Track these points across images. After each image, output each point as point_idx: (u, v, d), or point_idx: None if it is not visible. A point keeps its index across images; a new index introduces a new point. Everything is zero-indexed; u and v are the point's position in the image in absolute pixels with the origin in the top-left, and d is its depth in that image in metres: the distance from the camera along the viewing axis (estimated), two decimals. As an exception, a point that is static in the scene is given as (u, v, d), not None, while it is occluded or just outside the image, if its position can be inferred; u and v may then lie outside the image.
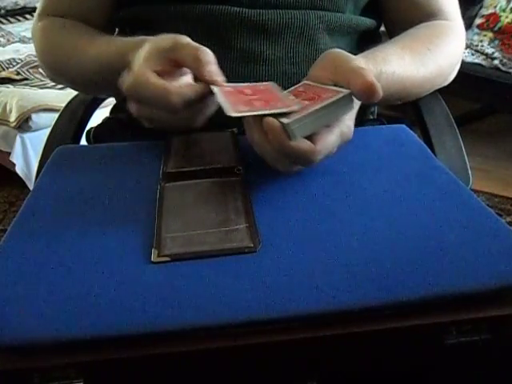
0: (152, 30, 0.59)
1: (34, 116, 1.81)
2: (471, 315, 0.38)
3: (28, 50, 2.26)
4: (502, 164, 2.20)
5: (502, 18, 2.09)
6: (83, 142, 0.80)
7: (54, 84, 1.89)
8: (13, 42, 2.48)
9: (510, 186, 2.04)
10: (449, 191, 0.50)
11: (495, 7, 2.12)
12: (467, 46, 2.11)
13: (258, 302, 0.37)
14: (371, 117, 0.81)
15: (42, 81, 1.98)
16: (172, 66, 0.53)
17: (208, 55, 0.52)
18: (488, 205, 0.48)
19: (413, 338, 0.38)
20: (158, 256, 0.42)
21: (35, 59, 1.96)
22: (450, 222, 0.45)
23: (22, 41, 2.46)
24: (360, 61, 0.52)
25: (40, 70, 1.98)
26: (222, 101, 0.49)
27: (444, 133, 0.73)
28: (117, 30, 0.78)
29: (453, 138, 0.72)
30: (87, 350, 0.35)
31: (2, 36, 2.56)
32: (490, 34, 2.11)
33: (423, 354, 0.39)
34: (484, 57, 2.09)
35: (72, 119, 0.82)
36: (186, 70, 0.55)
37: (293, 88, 0.55)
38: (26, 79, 2.04)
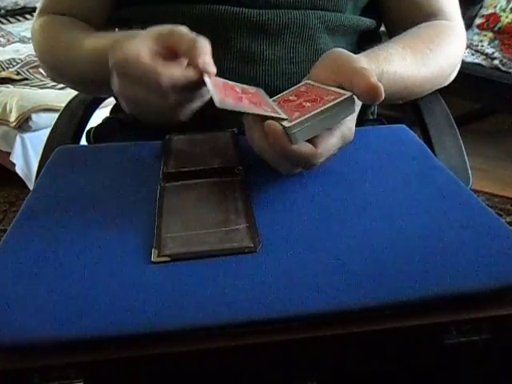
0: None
1: (34, 116, 1.80)
2: (471, 315, 0.38)
3: (28, 50, 2.26)
4: (502, 164, 2.20)
5: (502, 18, 2.09)
6: (83, 142, 0.80)
7: (54, 84, 1.89)
8: (13, 42, 2.48)
9: (509, 185, 2.04)
10: (449, 191, 0.50)
11: (495, 7, 2.12)
12: (467, 46, 2.10)
13: (257, 302, 0.37)
14: (371, 117, 0.81)
15: (41, 81, 1.98)
16: (166, 52, 0.52)
17: (204, 45, 0.51)
18: (488, 205, 0.48)
19: (413, 338, 0.38)
20: (158, 256, 0.42)
21: (35, 59, 1.95)
22: (450, 222, 0.45)
23: (22, 41, 2.46)
24: (362, 61, 0.51)
25: (40, 70, 1.98)
26: (213, 91, 0.48)
27: (444, 133, 0.73)
28: (116, 29, 0.78)
29: (453, 138, 0.72)
30: (87, 349, 0.35)
31: (2, 36, 2.56)
32: (490, 34, 2.11)
33: (423, 354, 0.39)
34: (484, 57, 2.08)
35: (72, 119, 0.82)
36: (180, 59, 0.54)
37: (295, 87, 0.55)
38: (26, 79, 2.03)
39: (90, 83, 0.69)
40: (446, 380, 0.41)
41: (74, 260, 0.42)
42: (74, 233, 0.46)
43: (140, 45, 0.50)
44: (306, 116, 0.47)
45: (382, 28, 0.78)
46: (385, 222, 0.45)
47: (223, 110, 0.55)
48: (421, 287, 0.38)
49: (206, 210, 0.47)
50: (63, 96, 1.66)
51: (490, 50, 2.08)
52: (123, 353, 0.35)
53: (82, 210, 0.49)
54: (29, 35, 2.25)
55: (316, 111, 0.47)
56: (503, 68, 2.03)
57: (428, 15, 0.73)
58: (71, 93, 0.88)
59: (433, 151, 0.67)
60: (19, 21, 2.80)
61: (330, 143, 0.49)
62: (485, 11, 2.15)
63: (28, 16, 2.82)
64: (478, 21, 2.15)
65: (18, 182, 1.89)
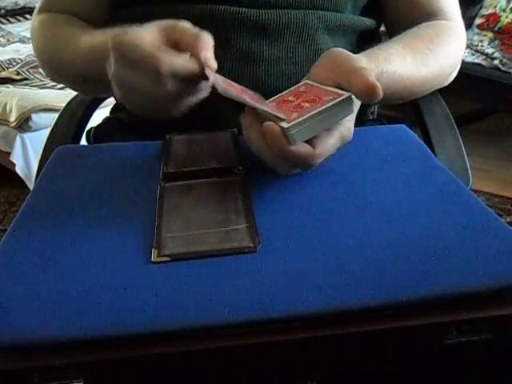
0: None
1: (34, 116, 1.80)
2: (471, 315, 0.38)
3: (28, 50, 2.26)
4: (502, 164, 2.20)
5: (502, 18, 2.09)
6: (83, 142, 0.80)
7: (53, 84, 1.89)
8: (13, 42, 2.48)
9: (509, 186, 2.04)
10: (449, 191, 0.50)
11: (495, 7, 2.12)
12: (467, 46, 2.10)
13: (257, 302, 0.37)
14: (371, 117, 0.81)
15: (41, 81, 1.98)
16: (169, 44, 0.51)
17: (207, 40, 0.51)
18: (488, 205, 0.48)
19: (413, 338, 0.38)
20: (158, 256, 0.42)
21: (35, 59, 1.95)
22: (450, 222, 0.45)
23: (22, 41, 2.46)
24: (361, 60, 0.51)
25: (40, 70, 1.98)
26: (215, 80, 0.48)
27: (444, 133, 0.73)
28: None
29: (453, 138, 0.72)
30: (87, 349, 0.35)
31: (2, 36, 2.56)
32: (490, 34, 2.11)
33: (423, 354, 0.39)
34: (484, 57, 2.09)
35: (72, 119, 0.82)
36: (182, 52, 0.53)
37: (294, 88, 0.55)
38: (26, 79, 2.04)
39: (87, 82, 0.68)
40: (446, 380, 0.41)
41: (74, 260, 0.42)
42: (74, 233, 0.46)
43: (143, 31, 0.50)
44: (304, 117, 0.47)
45: (382, 28, 0.78)
46: (385, 222, 0.45)
47: (223, 109, 0.55)
48: (421, 287, 0.38)
49: (206, 210, 0.47)
50: (63, 96, 1.66)
51: (489, 50, 2.08)
52: (123, 353, 0.35)
53: (81, 209, 0.49)
54: (29, 35, 2.25)
55: (314, 112, 0.47)
56: (503, 68, 2.03)
57: (428, 15, 0.73)
58: (71, 93, 0.87)
59: (433, 151, 0.67)
60: (19, 21, 2.80)
61: (329, 144, 0.49)
62: (485, 11, 2.15)
63: (28, 16, 2.82)
64: (477, 21, 2.15)
65: (18, 182, 1.89)
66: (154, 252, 0.42)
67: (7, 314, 0.37)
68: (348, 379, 0.40)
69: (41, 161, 0.72)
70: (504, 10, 2.09)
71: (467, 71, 1.98)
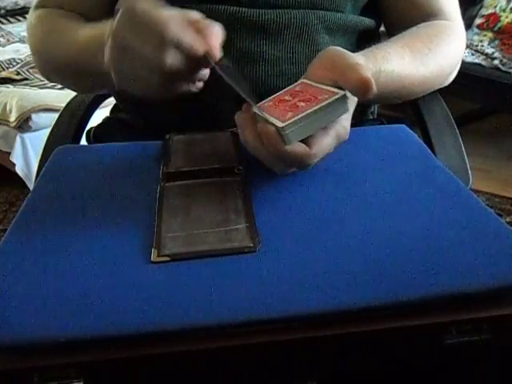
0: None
1: (34, 116, 1.81)
2: (471, 315, 0.38)
3: (28, 50, 2.23)
4: (502, 164, 2.20)
5: (502, 18, 2.09)
6: (83, 141, 0.80)
7: (54, 84, 1.89)
8: (13, 42, 2.48)
9: (509, 186, 2.04)
10: (449, 191, 0.50)
11: (495, 7, 2.12)
12: (467, 46, 2.10)
13: (257, 301, 0.37)
14: (371, 117, 0.81)
15: (41, 81, 1.98)
16: (182, 21, 0.51)
17: (218, 31, 0.51)
18: (488, 205, 0.48)
19: (413, 338, 0.38)
20: (158, 256, 0.42)
21: (35, 59, 1.95)
22: (450, 222, 0.45)
23: (22, 41, 2.46)
24: (357, 57, 0.52)
25: (40, 70, 1.98)
26: (225, 77, 0.49)
27: (444, 133, 0.73)
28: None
29: (453, 138, 0.72)
30: (87, 349, 0.35)
31: (2, 36, 2.56)
32: (490, 34, 2.11)
33: (423, 354, 0.39)
34: (484, 57, 2.08)
35: (72, 119, 0.82)
36: None
37: (290, 87, 0.55)
38: (26, 79, 2.04)
39: (82, 76, 0.67)
40: (446, 380, 0.41)
41: (74, 260, 0.42)
42: (74, 233, 0.46)
43: (151, 2, 0.50)
44: (298, 116, 0.47)
45: (382, 28, 0.78)
46: (385, 222, 0.45)
47: (223, 109, 0.55)
48: (421, 287, 0.38)
49: (206, 210, 0.47)
50: (63, 96, 1.66)
51: (489, 50, 2.08)
52: (123, 353, 0.35)
53: (81, 209, 0.49)
54: (29, 35, 2.25)
55: (309, 111, 0.47)
56: (503, 68, 2.03)
57: (427, 15, 0.73)
58: (71, 93, 0.87)
59: (433, 151, 0.67)
60: (19, 21, 2.80)
61: (325, 143, 0.49)
62: (485, 11, 2.15)
63: (28, 16, 2.81)
64: (477, 21, 2.15)
65: (18, 182, 1.89)
66: (153, 252, 0.42)
67: (7, 314, 0.37)
68: (348, 379, 0.40)
69: (41, 161, 0.72)
70: (504, 10, 2.09)
71: (467, 71, 1.98)
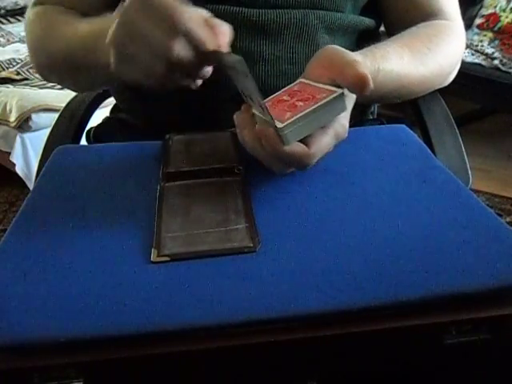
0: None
1: (34, 116, 1.81)
2: (471, 315, 0.38)
3: (28, 50, 2.25)
4: (502, 164, 2.20)
5: (502, 18, 2.09)
6: (83, 141, 0.80)
7: (53, 84, 1.89)
8: (13, 42, 2.48)
9: (509, 186, 2.04)
10: (449, 191, 0.50)
11: (495, 7, 2.12)
12: (467, 46, 2.11)
13: (257, 301, 0.37)
14: (371, 117, 0.81)
15: (41, 81, 1.98)
16: (197, 16, 0.50)
17: (227, 30, 0.51)
18: (488, 205, 0.48)
19: (413, 338, 0.38)
20: (158, 256, 0.42)
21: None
22: (450, 222, 0.45)
23: (22, 41, 2.46)
24: (354, 55, 0.51)
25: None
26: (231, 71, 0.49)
27: (444, 133, 0.73)
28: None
29: (453, 138, 0.72)
30: (87, 349, 0.35)
31: (2, 36, 2.56)
32: (490, 34, 2.11)
33: (423, 354, 0.39)
34: (484, 57, 2.09)
35: (72, 119, 0.82)
36: None
37: (288, 87, 0.55)
38: (26, 79, 2.04)
39: (81, 71, 0.66)
40: (445, 380, 0.41)
41: (74, 260, 0.42)
42: (74, 233, 0.46)
43: None
44: (297, 116, 0.47)
45: (382, 28, 0.78)
46: (385, 222, 0.45)
47: (223, 109, 0.55)
48: (421, 287, 0.38)
49: (206, 210, 0.47)
50: (63, 96, 1.66)
51: (489, 50, 2.08)
52: (123, 353, 0.35)
53: (81, 209, 0.49)
54: (29, 35, 2.25)
55: (307, 111, 0.47)
56: (503, 68, 2.03)
57: (427, 15, 0.73)
58: (71, 93, 0.87)
59: (433, 151, 0.67)
60: (19, 21, 2.80)
61: (324, 142, 0.49)
62: (485, 11, 2.15)
63: (26, 13, 2.81)
64: (477, 21, 2.15)
65: (18, 182, 1.89)
66: (153, 252, 0.42)
67: (7, 314, 0.37)
68: (348, 379, 0.40)
69: (41, 161, 0.72)
70: (504, 10, 2.09)
71: (467, 71, 1.98)
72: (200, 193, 0.50)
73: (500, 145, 2.35)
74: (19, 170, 1.83)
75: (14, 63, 2.18)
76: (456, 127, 0.73)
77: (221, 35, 0.51)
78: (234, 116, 0.52)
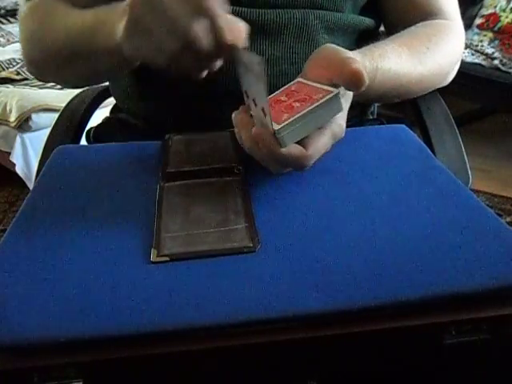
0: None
1: (34, 116, 1.81)
2: (471, 315, 0.38)
3: (28, 50, 2.25)
4: (502, 164, 2.21)
5: (502, 18, 2.09)
6: (83, 141, 0.80)
7: (53, 84, 1.89)
8: (13, 42, 2.48)
9: (509, 186, 2.04)
10: (448, 191, 0.50)
11: (495, 7, 2.12)
12: (467, 46, 2.11)
13: (257, 301, 0.37)
14: (371, 117, 0.81)
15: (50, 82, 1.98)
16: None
17: (243, 28, 0.50)
18: (488, 205, 0.48)
19: (412, 338, 0.38)
20: (158, 256, 0.42)
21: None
22: (450, 222, 0.45)
23: (22, 41, 2.45)
24: (353, 54, 0.51)
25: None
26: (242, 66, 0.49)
27: (444, 133, 0.73)
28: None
29: (453, 138, 0.72)
30: (87, 349, 0.35)
31: (2, 36, 2.56)
32: (490, 34, 2.11)
33: (423, 354, 0.39)
34: (484, 57, 2.09)
35: (72, 119, 0.82)
36: None
37: (286, 86, 0.55)
38: (26, 79, 2.04)
39: (79, 60, 0.63)
40: (445, 380, 0.41)
41: (74, 260, 0.42)
42: (74, 233, 0.46)
43: None
44: (293, 118, 0.47)
45: (382, 28, 0.78)
46: (384, 222, 0.45)
47: (223, 109, 0.55)
48: (420, 287, 0.38)
49: (206, 210, 0.47)
50: (63, 96, 1.66)
51: (490, 50, 2.08)
52: (123, 353, 0.35)
53: (81, 209, 0.49)
54: (29, 35, 2.25)
55: (303, 112, 0.47)
56: (503, 68, 2.03)
57: (427, 15, 0.73)
58: (71, 93, 0.88)
59: (433, 151, 0.67)
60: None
61: (321, 143, 0.49)
62: (485, 11, 2.15)
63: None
64: (477, 21, 2.15)
65: (18, 182, 1.89)
66: (153, 252, 0.42)
67: (7, 313, 0.37)
68: (348, 379, 0.40)
69: (41, 161, 0.72)
70: (504, 10, 2.09)
71: (467, 71, 1.98)
72: (200, 193, 0.50)
73: (500, 145, 2.35)
74: (19, 170, 1.84)
75: (14, 63, 2.18)
76: (456, 127, 0.73)
77: (238, 31, 0.50)
78: (233, 116, 0.52)
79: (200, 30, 0.47)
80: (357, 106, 0.57)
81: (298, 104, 0.49)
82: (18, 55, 2.25)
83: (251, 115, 0.51)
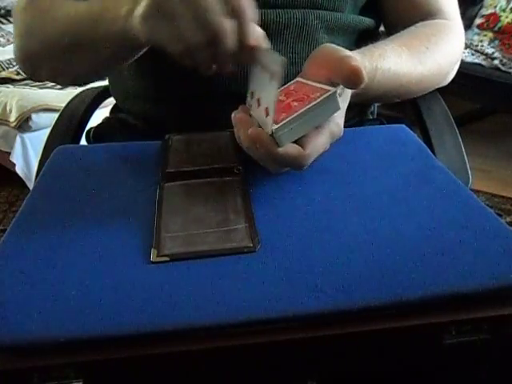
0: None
1: (34, 116, 1.81)
2: (471, 315, 0.38)
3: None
4: (502, 164, 2.21)
5: (502, 18, 2.09)
6: (83, 141, 0.80)
7: (53, 84, 1.89)
8: (13, 42, 2.47)
9: (509, 186, 2.04)
10: (448, 191, 0.50)
11: (495, 7, 2.12)
12: (467, 46, 2.11)
13: (257, 302, 0.37)
14: (371, 117, 0.81)
15: (43, 81, 1.98)
16: None
17: (261, 32, 0.50)
18: (488, 205, 0.48)
19: (412, 338, 0.38)
20: (158, 256, 0.42)
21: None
22: (450, 222, 0.45)
23: (22, 41, 2.45)
24: (352, 53, 0.51)
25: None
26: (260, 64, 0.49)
27: (444, 133, 0.73)
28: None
29: (453, 138, 0.72)
30: (86, 349, 0.35)
31: (2, 36, 2.56)
32: (490, 34, 2.11)
33: (423, 354, 0.39)
34: (484, 57, 2.09)
35: (72, 119, 0.82)
36: None
37: (285, 86, 0.55)
38: (26, 79, 2.03)
39: (80, 50, 0.61)
40: (445, 380, 0.41)
41: (74, 260, 0.42)
42: (74, 233, 0.46)
43: None
44: (291, 117, 0.47)
45: (382, 28, 0.78)
46: (384, 222, 0.45)
47: (223, 109, 0.55)
48: (420, 287, 0.38)
49: (206, 210, 0.47)
50: (63, 96, 1.67)
51: (490, 50, 2.08)
52: (123, 353, 0.35)
53: (81, 209, 0.49)
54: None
55: (300, 111, 0.47)
56: (503, 68, 2.03)
57: (426, 15, 0.73)
58: (71, 93, 0.88)
59: (433, 151, 0.67)
60: (19, 21, 2.80)
61: (319, 142, 0.49)
62: (485, 11, 2.15)
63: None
64: (477, 21, 2.15)
65: (18, 182, 1.89)
66: (153, 252, 0.42)
67: (7, 313, 0.37)
68: (348, 379, 0.40)
69: (41, 161, 0.72)
70: (504, 10, 2.09)
71: (467, 71, 1.98)
72: (200, 193, 0.50)
73: (500, 145, 2.35)
74: (19, 170, 1.84)
75: (14, 63, 2.17)
76: (456, 127, 0.73)
77: (259, 34, 0.50)
78: (232, 115, 0.52)
79: (228, 27, 0.47)
80: (355, 106, 0.57)
81: (296, 103, 0.49)
82: (18, 55, 2.25)
83: (250, 115, 0.51)
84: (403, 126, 0.64)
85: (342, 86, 0.50)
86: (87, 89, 0.90)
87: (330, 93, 0.48)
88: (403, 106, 0.79)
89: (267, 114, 0.48)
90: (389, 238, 0.43)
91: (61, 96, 1.76)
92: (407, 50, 0.64)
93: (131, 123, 0.74)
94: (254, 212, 0.47)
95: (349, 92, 0.55)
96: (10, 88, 1.97)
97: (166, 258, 0.42)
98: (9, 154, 1.84)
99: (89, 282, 0.40)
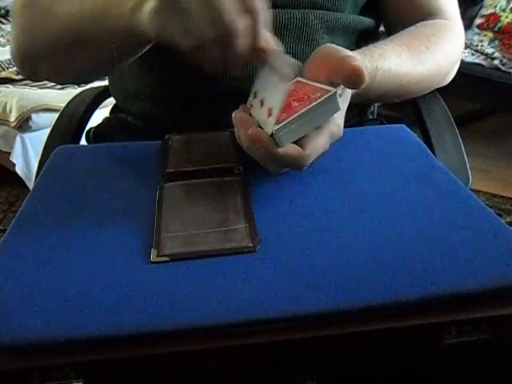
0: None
1: (34, 116, 1.81)
2: (471, 315, 0.38)
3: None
4: (502, 164, 2.21)
5: (502, 18, 2.09)
6: (83, 141, 0.80)
7: (53, 84, 1.89)
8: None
9: (509, 186, 2.04)
10: (448, 191, 0.50)
11: (495, 7, 2.12)
12: (467, 46, 2.11)
13: (257, 301, 0.37)
14: (371, 117, 0.81)
15: (41, 81, 1.98)
16: None
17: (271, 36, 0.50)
18: (488, 205, 0.48)
19: (412, 338, 0.38)
20: (158, 256, 0.42)
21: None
22: (450, 222, 0.45)
23: (22, 41, 2.45)
24: (353, 53, 0.51)
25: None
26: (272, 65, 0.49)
27: (444, 133, 0.73)
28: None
29: (453, 138, 0.72)
30: (87, 349, 0.35)
31: (2, 36, 2.56)
32: (490, 34, 2.11)
33: (423, 354, 0.39)
34: (484, 57, 2.09)
35: (72, 119, 0.82)
36: None
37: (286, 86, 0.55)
38: (26, 79, 2.03)
39: (84, 46, 0.60)
40: (445, 380, 0.41)
41: (74, 260, 0.42)
42: (74, 233, 0.46)
43: None
44: (291, 117, 0.47)
45: (382, 28, 0.78)
46: (384, 222, 0.45)
47: (223, 109, 0.55)
48: (420, 287, 0.38)
49: (206, 210, 0.47)
50: (63, 96, 1.67)
51: (490, 50, 2.08)
52: (123, 353, 0.35)
53: (81, 209, 0.49)
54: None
55: (301, 112, 0.47)
56: (503, 68, 2.03)
57: (426, 14, 0.73)
58: (71, 93, 0.88)
59: (433, 151, 0.67)
60: (19, 21, 2.79)
61: (319, 143, 0.49)
62: (485, 11, 2.15)
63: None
64: (478, 21, 2.15)
65: (18, 182, 1.89)
66: (153, 252, 0.42)
67: (7, 314, 0.37)
68: (348, 379, 0.40)
69: (41, 161, 0.72)
70: (504, 10, 2.09)
71: (467, 71, 1.99)
72: (200, 193, 0.50)
73: (500, 145, 2.35)
74: (19, 170, 1.84)
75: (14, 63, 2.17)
76: (456, 127, 0.73)
77: (269, 36, 0.50)
78: (233, 115, 0.52)
79: (242, 27, 0.47)
80: (355, 107, 0.57)
81: (296, 103, 0.49)
82: (18, 55, 2.25)
83: (250, 114, 0.51)
84: (403, 126, 0.64)
85: (342, 87, 0.50)
86: (87, 89, 0.90)
87: (330, 93, 0.48)
88: (403, 106, 0.79)
89: (270, 115, 0.48)
90: (389, 238, 0.43)
91: (61, 96, 1.76)
92: (407, 49, 0.64)
93: (131, 123, 0.74)
94: (253, 212, 0.47)
95: (349, 92, 0.55)
96: (10, 88, 1.97)
97: (166, 258, 0.42)
98: (9, 153, 1.84)
99: (89, 282, 0.40)
